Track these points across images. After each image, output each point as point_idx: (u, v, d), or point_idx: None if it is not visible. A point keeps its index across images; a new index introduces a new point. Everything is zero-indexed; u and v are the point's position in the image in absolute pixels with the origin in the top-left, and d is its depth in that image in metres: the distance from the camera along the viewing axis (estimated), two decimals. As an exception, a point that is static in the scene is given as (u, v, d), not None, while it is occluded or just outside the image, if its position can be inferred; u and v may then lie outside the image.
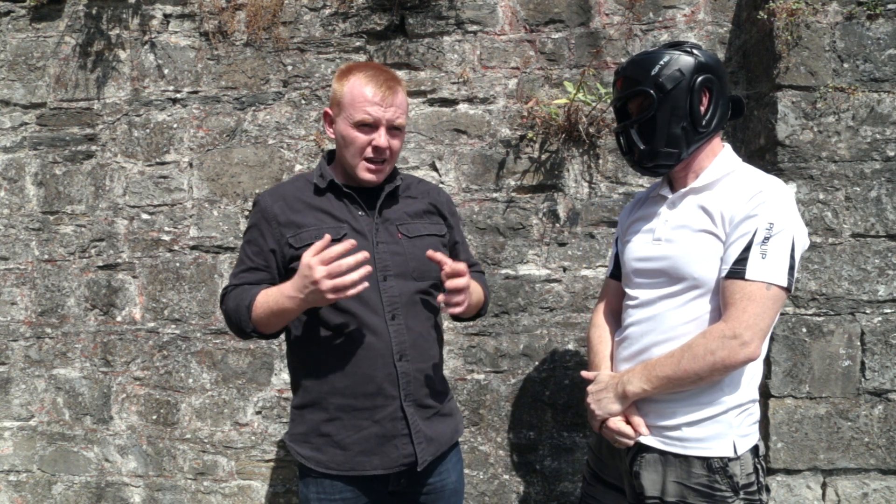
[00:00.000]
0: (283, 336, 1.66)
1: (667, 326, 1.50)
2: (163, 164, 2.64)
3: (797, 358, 2.22)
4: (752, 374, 1.50)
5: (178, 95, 2.64)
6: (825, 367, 2.22)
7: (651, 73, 1.51)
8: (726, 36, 2.46)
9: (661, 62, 1.51)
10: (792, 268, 1.41)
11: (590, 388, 1.60)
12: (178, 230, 2.63)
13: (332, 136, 1.62)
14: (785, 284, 1.39)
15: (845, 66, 2.21)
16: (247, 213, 2.60)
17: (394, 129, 1.57)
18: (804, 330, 2.22)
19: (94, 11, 2.67)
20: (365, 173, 1.57)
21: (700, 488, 1.44)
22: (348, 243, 1.36)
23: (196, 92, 2.63)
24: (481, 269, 1.92)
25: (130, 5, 2.66)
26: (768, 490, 2.24)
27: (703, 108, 1.52)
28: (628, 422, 1.53)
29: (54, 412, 2.70)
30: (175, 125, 2.64)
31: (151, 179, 2.65)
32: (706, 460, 1.44)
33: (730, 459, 1.44)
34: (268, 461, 2.60)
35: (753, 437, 1.50)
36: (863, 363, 2.22)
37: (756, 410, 1.52)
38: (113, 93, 2.67)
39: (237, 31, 2.61)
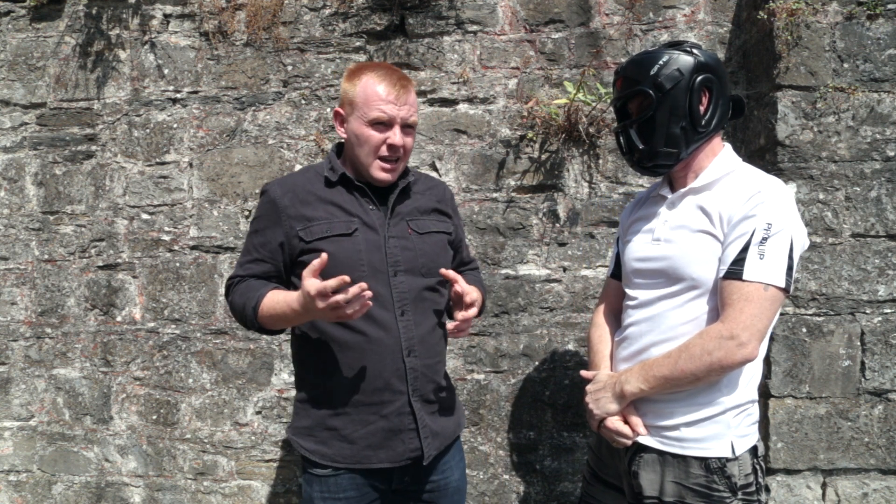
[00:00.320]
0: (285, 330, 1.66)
1: (666, 327, 1.50)
2: (163, 164, 2.64)
3: (797, 358, 2.22)
4: (751, 375, 1.50)
5: (178, 95, 2.64)
6: (825, 367, 2.22)
7: (650, 72, 1.51)
8: (726, 36, 2.46)
9: (661, 62, 1.51)
10: (790, 268, 1.40)
11: (588, 387, 1.61)
12: (178, 230, 2.63)
13: (344, 136, 1.62)
14: (783, 285, 1.39)
15: (845, 66, 2.21)
16: (247, 213, 2.60)
17: (407, 128, 1.57)
18: (804, 330, 2.22)
19: (94, 11, 2.67)
20: (379, 172, 1.57)
21: (698, 488, 1.44)
22: (340, 279, 1.34)
23: (196, 92, 2.63)
24: (477, 267, 1.93)
25: (130, 5, 2.66)
26: (768, 490, 2.24)
27: (702, 108, 1.52)
28: (626, 421, 1.53)
29: (54, 412, 2.70)
30: (175, 125, 2.64)
31: (151, 179, 2.65)
32: (704, 461, 1.44)
33: (728, 460, 1.44)
34: (268, 461, 2.60)
35: (752, 438, 1.50)
36: (863, 363, 2.22)
37: (755, 411, 1.52)
38: (113, 93, 2.67)
39: (237, 31, 2.61)
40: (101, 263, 2.67)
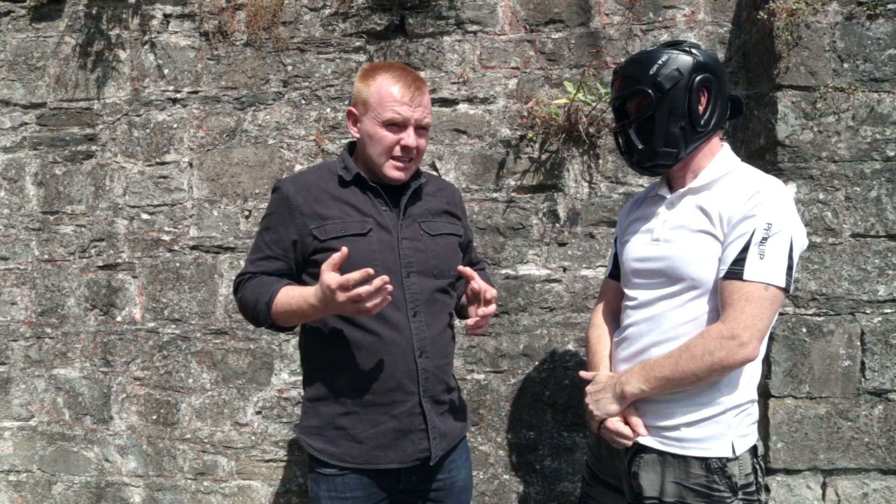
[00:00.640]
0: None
1: (666, 327, 1.50)
2: (163, 164, 2.64)
3: (797, 358, 2.22)
4: (751, 375, 1.50)
5: (178, 95, 2.64)
6: (825, 367, 2.22)
7: (649, 72, 1.51)
8: (726, 36, 2.46)
9: (660, 61, 1.51)
10: (790, 268, 1.41)
11: (588, 388, 1.60)
12: (178, 230, 2.63)
13: (357, 135, 1.62)
14: (783, 285, 1.39)
15: (845, 66, 2.21)
16: (247, 212, 2.60)
17: (420, 129, 1.58)
18: (804, 330, 2.22)
19: (94, 11, 2.67)
20: (392, 171, 1.57)
21: (698, 489, 1.44)
22: (364, 271, 1.34)
23: (196, 92, 2.63)
24: (485, 268, 1.94)
25: (130, 5, 2.66)
26: (768, 490, 2.24)
27: (701, 108, 1.52)
28: (627, 422, 1.52)
29: (54, 412, 2.70)
30: (175, 125, 2.64)
31: (151, 179, 2.65)
32: (704, 461, 1.44)
33: (728, 460, 1.44)
34: (268, 461, 2.60)
35: (752, 438, 1.50)
36: (863, 363, 2.22)
37: (755, 411, 1.52)
38: (113, 93, 2.67)
39: (237, 31, 2.61)
40: (101, 263, 2.67)
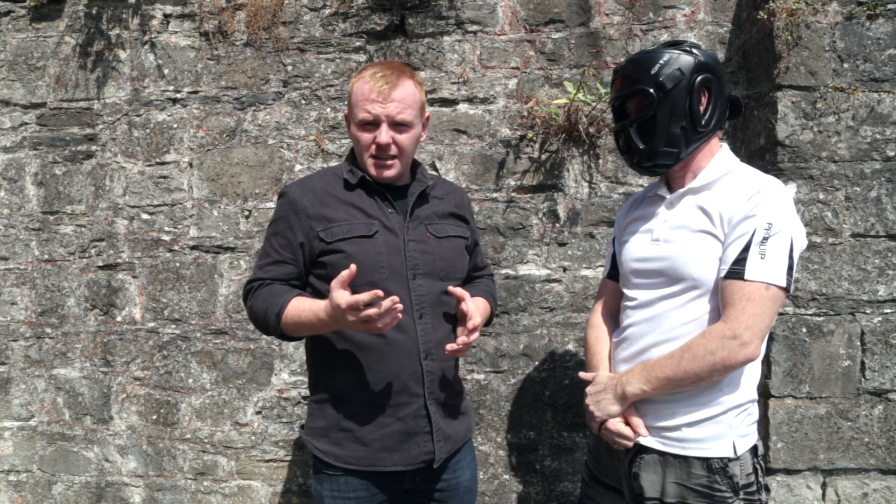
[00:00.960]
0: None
1: (666, 327, 1.50)
2: (163, 164, 2.64)
3: (797, 358, 2.22)
4: (751, 375, 1.50)
5: (178, 95, 2.64)
6: (825, 367, 2.22)
7: (651, 71, 1.50)
8: (726, 36, 2.46)
9: (661, 61, 1.51)
10: (791, 268, 1.41)
11: (588, 389, 1.60)
12: (178, 230, 2.63)
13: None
14: (784, 284, 1.39)
15: (845, 66, 2.21)
16: (247, 212, 2.60)
17: (397, 125, 1.55)
18: (804, 330, 2.22)
19: (94, 11, 2.67)
20: (374, 170, 1.57)
21: (700, 489, 1.43)
22: (373, 293, 1.34)
23: (196, 92, 2.63)
24: (491, 273, 1.92)
25: (130, 5, 2.66)
26: (768, 490, 2.24)
27: (702, 108, 1.52)
28: (627, 423, 1.52)
29: (54, 412, 2.70)
30: (175, 125, 2.64)
31: (151, 179, 2.65)
32: (706, 461, 1.44)
33: (730, 460, 1.44)
34: (268, 461, 2.60)
35: (752, 438, 1.50)
36: (863, 363, 2.22)
37: (755, 410, 1.52)
38: (113, 93, 2.67)
39: (237, 31, 2.61)
40: (101, 263, 2.67)
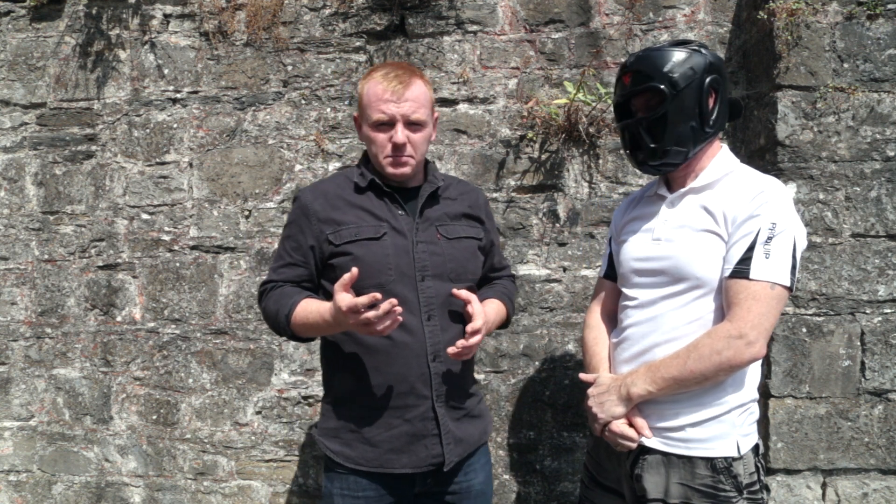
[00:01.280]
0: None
1: (668, 327, 1.49)
2: (163, 164, 2.64)
3: (797, 358, 2.22)
4: (754, 373, 1.51)
5: (178, 95, 2.64)
6: (825, 367, 2.22)
7: (663, 69, 1.49)
8: (726, 36, 2.46)
9: (674, 59, 1.49)
10: (794, 267, 1.42)
11: (591, 390, 1.58)
12: (178, 230, 2.63)
13: (363, 140, 1.64)
14: (788, 284, 1.40)
15: (845, 66, 2.21)
16: (247, 213, 2.60)
17: (413, 125, 1.56)
18: (804, 330, 2.22)
19: (94, 11, 2.67)
20: (390, 168, 1.57)
21: (704, 489, 1.43)
22: (371, 296, 1.35)
23: (196, 92, 2.63)
24: (512, 274, 1.91)
25: (130, 5, 2.66)
26: (768, 490, 2.24)
27: (709, 108, 1.53)
28: (630, 424, 1.51)
29: (54, 412, 2.70)
30: (175, 125, 2.64)
31: (151, 179, 2.65)
32: (710, 461, 1.44)
33: (734, 459, 1.44)
34: (268, 461, 2.60)
35: (754, 437, 1.50)
36: (863, 363, 2.22)
37: (756, 409, 1.53)
38: (113, 93, 2.67)
39: (237, 31, 2.61)
40: (101, 263, 2.67)
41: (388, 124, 1.54)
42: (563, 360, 2.49)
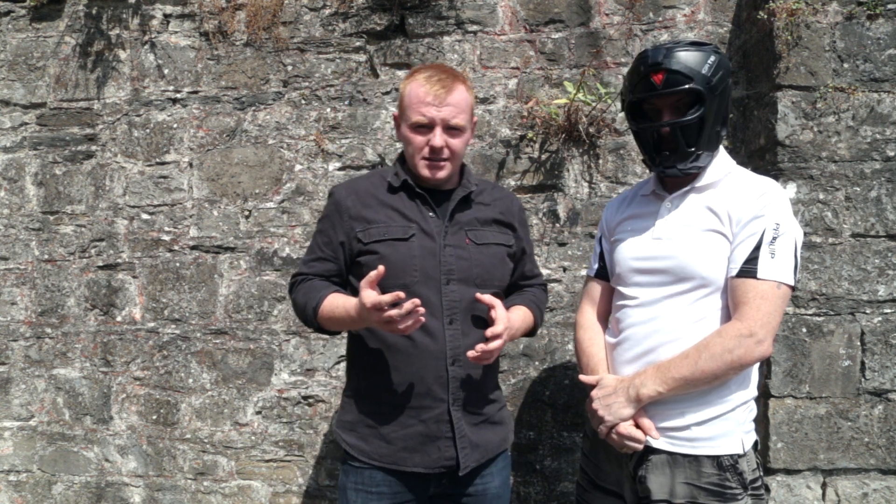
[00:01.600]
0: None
1: (672, 327, 1.49)
2: (163, 164, 2.64)
3: (797, 358, 2.22)
4: (755, 371, 1.52)
5: (178, 95, 2.64)
6: (825, 367, 2.22)
7: (702, 71, 1.45)
8: (726, 36, 2.46)
9: (710, 61, 1.46)
10: (796, 267, 1.44)
11: (595, 392, 1.55)
12: (178, 230, 2.63)
13: (401, 140, 1.65)
14: (792, 283, 1.42)
15: (845, 66, 2.21)
16: (247, 213, 2.61)
17: (451, 129, 1.57)
18: (804, 330, 2.22)
19: (94, 11, 2.67)
20: (424, 170, 1.59)
21: (711, 487, 1.43)
22: (394, 295, 1.37)
23: (196, 92, 2.63)
24: (543, 283, 1.88)
25: (130, 5, 2.66)
26: (768, 490, 2.24)
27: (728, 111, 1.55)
28: (636, 425, 1.50)
29: (54, 412, 2.70)
30: (175, 125, 2.64)
31: (151, 179, 2.65)
32: (716, 459, 1.44)
33: (739, 456, 1.44)
34: (268, 461, 2.60)
35: (754, 433, 1.51)
36: (863, 363, 2.22)
37: (755, 406, 1.54)
38: (113, 93, 2.67)
39: (237, 31, 2.61)
40: (101, 263, 2.67)
41: (426, 127, 1.56)
42: (563, 360, 2.49)
